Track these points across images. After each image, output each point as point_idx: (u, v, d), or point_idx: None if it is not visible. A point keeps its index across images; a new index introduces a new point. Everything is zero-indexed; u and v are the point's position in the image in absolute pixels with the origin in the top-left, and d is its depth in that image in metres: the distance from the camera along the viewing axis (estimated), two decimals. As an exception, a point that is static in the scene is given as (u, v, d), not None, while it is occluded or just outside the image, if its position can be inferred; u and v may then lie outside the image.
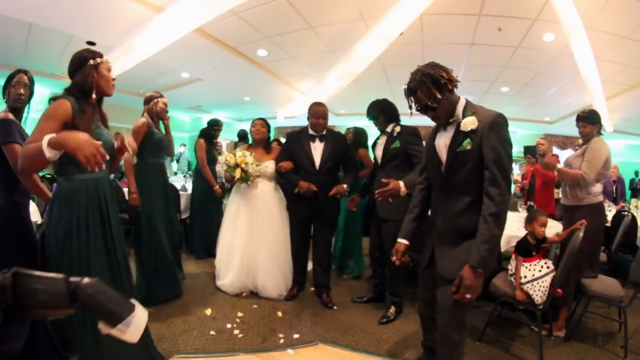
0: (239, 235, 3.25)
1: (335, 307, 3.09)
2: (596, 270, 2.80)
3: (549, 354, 2.48)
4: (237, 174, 3.07)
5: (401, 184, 2.54)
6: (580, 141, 2.88)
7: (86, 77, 1.76)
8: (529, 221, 2.61)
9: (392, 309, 2.99)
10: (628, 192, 8.81)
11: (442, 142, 1.75)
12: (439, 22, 4.22)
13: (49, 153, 1.41)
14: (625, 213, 3.96)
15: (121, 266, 1.89)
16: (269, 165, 3.23)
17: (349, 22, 4.39)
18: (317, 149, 3.09)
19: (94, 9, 4.01)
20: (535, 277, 2.44)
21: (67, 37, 5.01)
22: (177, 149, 11.20)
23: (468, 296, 1.56)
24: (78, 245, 1.73)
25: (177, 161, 10.65)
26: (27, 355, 1.87)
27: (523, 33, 4.35)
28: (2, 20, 4.38)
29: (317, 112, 3.07)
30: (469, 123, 1.62)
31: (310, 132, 3.11)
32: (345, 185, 3.00)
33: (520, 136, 10.35)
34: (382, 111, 3.00)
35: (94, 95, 1.78)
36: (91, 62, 1.78)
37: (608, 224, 4.23)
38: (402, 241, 1.94)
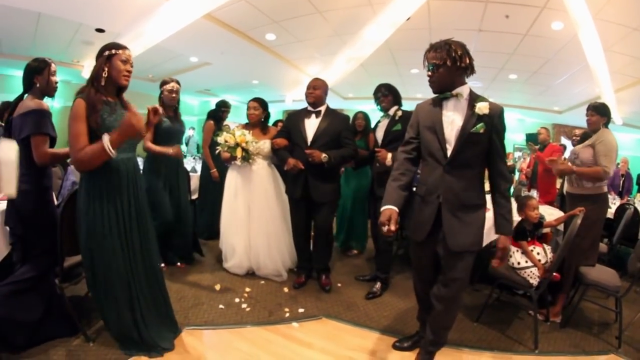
0: (239, 216, 3.28)
1: (331, 290, 3.13)
2: (594, 260, 2.82)
3: (544, 339, 2.55)
4: (239, 153, 3.07)
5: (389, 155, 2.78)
6: (577, 131, 2.93)
7: (97, 68, 1.92)
8: (520, 209, 2.69)
9: (378, 285, 3.15)
10: (635, 187, 8.71)
11: (450, 120, 1.84)
12: (446, 7, 4.22)
13: (112, 153, 1.78)
14: (628, 206, 3.98)
15: (142, 238, 2.10)
16: (266, 144, 3.23)
17: (356, 6, 4.40)
18: (311, 125, 3.03)
19: None
20: (529, 266, 2.52)
21: (76, 25, 5.08)
22: (186, 132, 11.32)
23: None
24: (101, 224, 1.92)
25: (187, 144, 10.78)
26: (43, 324, 2.08)
27: (531, 21, 4.33)
28: (12, 11, 4.47)
29: (310, 84, 3.06)
30: (484, 108, 1.77)
31: (309, 108, 3.07)
32: (323, 155, 2.85)
33: (529, 124, 10.30)
34: (392, 91, 3.06)
35: (102, 83, 1.91)
36: (106, 53, 1.92)
37: (611, 217, 4.26)
38: (393, 208, 1.82)
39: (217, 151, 3.24)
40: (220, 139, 3.16)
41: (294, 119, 3.12)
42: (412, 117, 2.03)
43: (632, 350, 2.50)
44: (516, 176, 7.19)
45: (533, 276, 2.50)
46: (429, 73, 1.84)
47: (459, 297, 1.97)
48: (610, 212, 4.47)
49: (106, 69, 1.91)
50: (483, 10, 4.18)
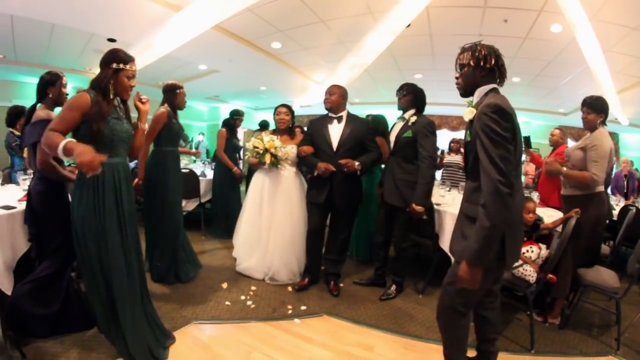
0: (262, 220, 3.30)
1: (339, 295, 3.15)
2: (592, 261, 2.79)
3: (542, 339, 2.57)
4: (267, 159, 3.09)
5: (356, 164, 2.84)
6: (588, 133, 2.79)
7: (103, 78, 1.94)
8: None
9: (393, 287, 3.21)
10: None
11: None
12: (445, 14, 4.31)
13: (62, 155, 1.69)
14: (631, 207, 3.91)
15: (131, 241, 2.08)
16: (293, 150, 3.23)
17: (357, 15, 4.53)
18: (335, 131, 3.03)
19: (114, 8, 4.25)
20: (521, 264, 2.53)
21: (89, 35, 5.27)
22: (196, 138, 11.56)
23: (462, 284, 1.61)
24: (96, 222, 1.94)
25: (196, 149, 10.99)
26: (60, 317, 2.22)
27: (529, 24, 4.38)
28: (27, 22, 4.69)
29: (327, 90, 3.08)
30: (467, 113, 1.69)
31: (330, 114, 3.08)
32: (357, 163, 2.90)
33: (535, 127, 10.25)
34: (414, 92, 3.03)
35: (111, 96, 1.95)
36: (114, 65, 1.94)
37: (614, 218, 4.19)
38: None
39: (245, 157, 3.22)
40: (248, 145, 3.20)
41: (317, 125, 3.13)
42: None
43: (631, 352, 2.48)
44: (522, 179, 7.21)
45: (528, 274, 2.51)
46: (456, 74, 1.77)
47: (445, 307, 1.87)
48: (615, 214, 4.48)
49: (112, 82, 1.94)
50: (482, 15, 4.26)
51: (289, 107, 3.36)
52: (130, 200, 2.11)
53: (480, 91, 1.70)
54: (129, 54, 2.01)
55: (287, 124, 3.31)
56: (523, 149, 3.47)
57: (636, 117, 7.86)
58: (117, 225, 2.01)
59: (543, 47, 5.04)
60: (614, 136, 10.23)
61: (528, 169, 7.50)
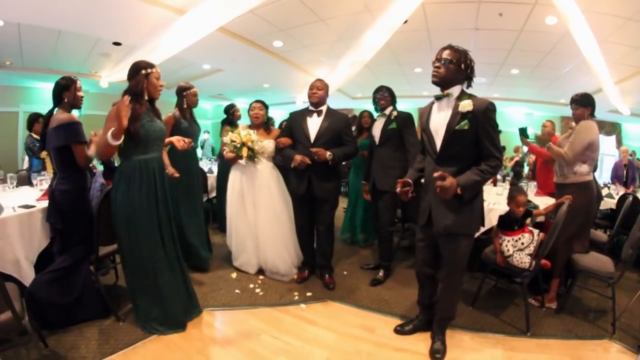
0: (247, 217, 3.33)
1: (335, 288, 3.20)
2: (585, 247, 2.89)
3: (538, 323, 2.67)
4: (245, 152, 3.12)
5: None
6: (574, 124, 2.98)
7: (138, 83, 2.28)
8: (509, 200, 2.80)
9: (382, 272, 3.38)
10: None
11: (438, 120, 2.10)
12: (441, 9, 4.42)
13: (113, 142, 2.10)
14: (628, 196, 3.97)
15: (167, 226, 2.44)
16: (270, 144, 3.29)
17: (356, 13, 4.65)
18: (313, 124, 3.12)
19: (119, 13, 4.40)
20: (517, 250, 2.64)
21: (94, 39, 5.44)
22: (201, 136, 11.71)
23: (437, 190, 1.92)
24: (134, 208, 2.27)
25: (202, 147, 11.14)
26: (77, 306, 2.40)
27: (524, 17, 4.45)
28: (35, 29, 4.85)
29: (313, 84, 3.17)
30: (466, 105, 1.96)
31: (310, 108, 3.17)
32: (328, 153, 2.97)
33: (537, 118, 10.25)
34: (390, 92, 3.34)
35: (145, 97, 2.31)
36: (143, 71, 2.27)
37: (613, 207, 4.32)
38: (409, 180, 2.22)
39: (224, 151, 3.32)
40: (226, 139, 3.23)
41: (297, 118, 3.23)
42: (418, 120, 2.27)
43: (626, 336, 2.54)
44: (525, 170, 7.25)
45: (522, 262, 2.60)
46: (438, 64, 2.04)
47: (453, 279, 2.20)
48: (613, 202, 4.58)
49: (145, 85, 2.28)
50: (476, 10, 4.36)
51: (262, 102, 3.43)
52: (164, 189, 2.43)
53: (457, 88, 2.06)
54: (149, 61, 2.34)
55: (262, 119, 3.38)
56: (520, 139, 3.63)
57: (638, 107, 7.82)
58: (155, 209, 2.35)
59: (539, 39, 5.11)
60: (616, 126, 10.22)
61: (531, 160, 7.49)
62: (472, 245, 2.20)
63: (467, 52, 2.05)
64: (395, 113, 3.24)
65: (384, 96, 3.30)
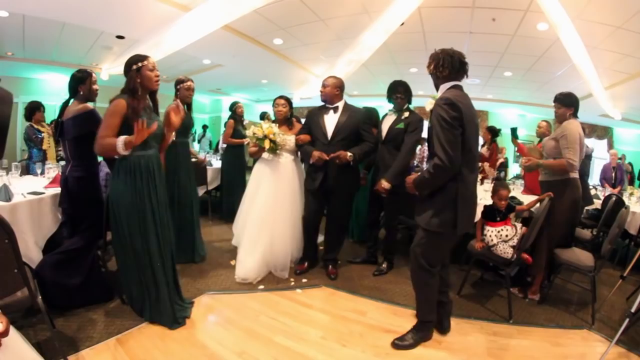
0: (259, 208, 3.28)
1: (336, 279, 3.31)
2: (567, 242, 2.98)
3: (520, 313, 2.81)
4: (267, 144, 3.14)
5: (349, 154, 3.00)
6: (542, 123, 3.04)
7: (130, 80, 2.24)
8: (493, 193, 2.98)
9: (385, 264, 3.53)
10: (637, 182, 8.81)
11: None
12: (436, 13, 4.58)
13: (123, 150, 2.09)
14: (612, 197, 4.08)
15: (164, 222, 2.38)
16: (292, 139, 3.30)
17: (354, 14, 4.80)
18: (330, 120, 3.13)
19: (124, 7, 4.46)
20: (501, 241, 2.80)
21: (98, 32, 5.48)
22: (199, 130, 11.82)
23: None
24: (132, 205, 2.25)
25: (199, 141, 11.24)
26: (83, 289, 2.47)
27: (517, 23, 4.62)
28: (39, 21, 4.89)
29: (323, 82, 3.20)
30: (428, 104, 2.14)
31: (327, 105, 3.19)
32: (349, 153, 3.00)
33: (530, 120, 10.33)
34: (408, 92, 3.29)
35: (139, 92, 2.24)
36: (134, 67, 2.24)
37: (599, 207, 4.40)
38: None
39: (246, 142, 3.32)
40: (248, 132, 3.26)
41: (314, 115, 3.24)
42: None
43: (605, 327, 2.66)
44: (510, 174, 7.46)
45: (505, 253, 2.77)
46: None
47: (414, 268, 2.25)
48: (598, 203, 4.74)
49: (138, 80, 2.22)
50: (470, 15, 4.52)
51: (287, 99, 3.44)
52: (162, 184, 2.40)
53: (442, 87, 2.15)
54: (142, 54, 2.30)
55: (285, 115, 3.40)
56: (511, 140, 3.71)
57: (629, 112, 8.00)
58: (150, 205, 2.30)
59: (531, 44, 5.27)
60: (607, 130, 10.44)
61: (523, 160, 7.64)
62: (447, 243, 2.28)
63: (439, 53, 2.14)
64: (406, 114, 3.23)
65: (402, 99, 3.27)
